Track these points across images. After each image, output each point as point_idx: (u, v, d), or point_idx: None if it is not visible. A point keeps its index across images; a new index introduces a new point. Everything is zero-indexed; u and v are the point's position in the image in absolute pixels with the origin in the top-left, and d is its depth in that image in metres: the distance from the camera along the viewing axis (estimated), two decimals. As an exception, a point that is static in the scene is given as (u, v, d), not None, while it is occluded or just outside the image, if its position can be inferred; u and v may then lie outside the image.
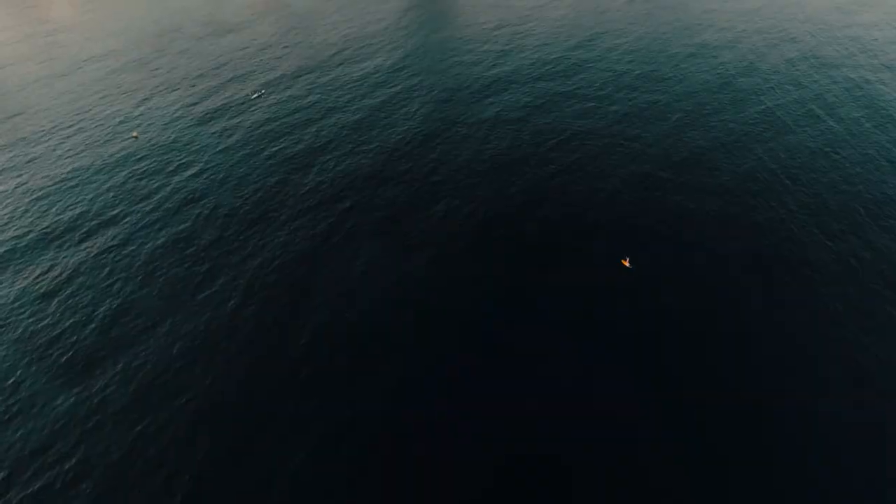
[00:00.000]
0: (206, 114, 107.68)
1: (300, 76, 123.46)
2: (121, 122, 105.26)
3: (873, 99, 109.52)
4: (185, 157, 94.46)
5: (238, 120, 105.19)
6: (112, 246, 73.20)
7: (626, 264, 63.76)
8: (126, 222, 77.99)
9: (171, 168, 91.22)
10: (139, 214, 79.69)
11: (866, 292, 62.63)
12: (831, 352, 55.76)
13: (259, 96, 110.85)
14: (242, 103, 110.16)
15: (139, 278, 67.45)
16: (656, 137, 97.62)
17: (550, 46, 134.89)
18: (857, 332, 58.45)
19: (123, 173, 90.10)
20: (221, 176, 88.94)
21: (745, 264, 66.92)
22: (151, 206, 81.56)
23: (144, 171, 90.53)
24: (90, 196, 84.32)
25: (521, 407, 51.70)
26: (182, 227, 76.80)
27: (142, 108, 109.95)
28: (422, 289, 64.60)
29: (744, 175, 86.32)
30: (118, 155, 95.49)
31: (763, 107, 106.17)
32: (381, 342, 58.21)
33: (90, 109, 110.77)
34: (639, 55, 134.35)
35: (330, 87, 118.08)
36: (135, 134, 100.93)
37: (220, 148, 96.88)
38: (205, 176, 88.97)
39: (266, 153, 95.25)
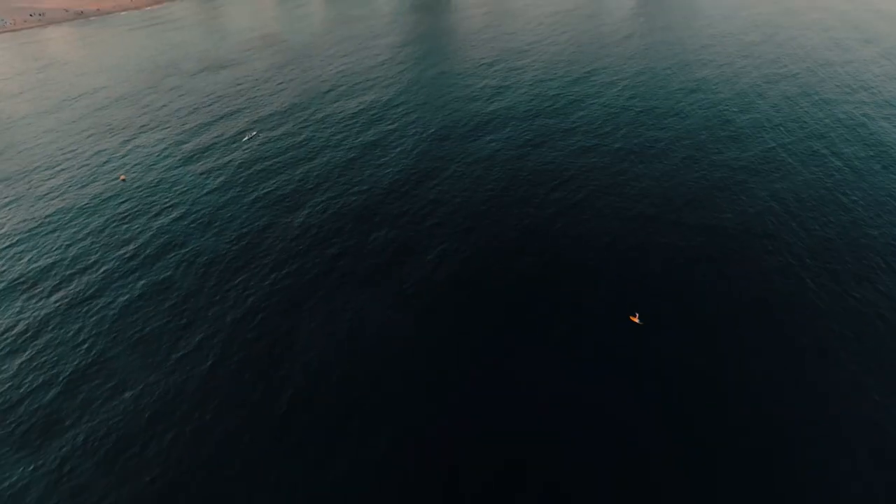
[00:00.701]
0: (195, 153, 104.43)
1: (293, 113, 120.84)
2: (106, 163, 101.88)
3: (879, 137, 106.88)
4: (170, 198, 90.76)
5: (227, 159, 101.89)
6: (85, 298, 68.80)
7: (636, 321, 59.61)
8: (102, 271, 73.76)
9: (154, 211, 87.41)
10: (117, 262, 75.51)
11: (881, 344, 58.37)
12: (844, 409, 51.24)
13: (250, 138, 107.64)
14: (233, 143, 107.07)
15: (112, 335, 62.91)
16: (658, 177, 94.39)
17: (549, 83, 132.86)
18: (865, 377, 54.07)
19: (104, 217, 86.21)
20: (206, 219, 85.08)
21: (749, 309, 62.83)
22: (130, 253, 77.45)
23: (127, 214, 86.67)
24: (67, 242, 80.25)
25: (514, 461, 46.92)
26: (161, 276, 72.56)
27: (129, 147, 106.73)
28: (412, 347, 60.15)
29: (749, 217, 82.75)
30: (101, 197, 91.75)
31: (766, 146, 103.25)
32: (369, 404, 53.52)
33: (76, 148, 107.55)
34: (639, 91, 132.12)
35: (323, 125, 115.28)
36: (122, 176, 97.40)
37: (207, 189, 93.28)
38: (189, 220, 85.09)
39: (254, 194, 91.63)
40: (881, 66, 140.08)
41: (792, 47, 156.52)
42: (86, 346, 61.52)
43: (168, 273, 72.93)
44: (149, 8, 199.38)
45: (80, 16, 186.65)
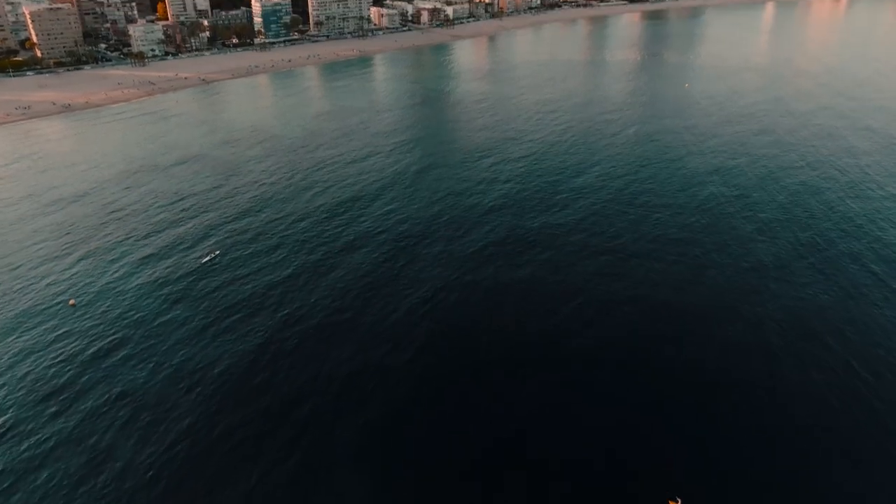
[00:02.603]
0: (154, 270, 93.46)
1: (270, 221, 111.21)
2: (54, 283, 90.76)
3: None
4: (116, 331, 78.83)
5: (189, 282, 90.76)
6: (-18, 481, 55.39)
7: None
8: (11, 439, 60.66)
9: (95, 349, 75.25)
10: (32, 425, 62.55)
11: None
12: None
13: (213, 258, 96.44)
14: (196, 260, 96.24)
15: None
16: (676, 287, 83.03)
17: (556, 183, 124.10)
18: None
19: (37, 358, 73.93)
20: (153, 362, 72.79)
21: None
22: (53, 409, 64.66)
23: (62, 354, 74.43)
24: (-17, 393, 67.56)
25: None
26: (87, 446, 59.48)
27: (83, 263, 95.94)
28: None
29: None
30: (42, 328, 79.91)
31: (802, 259, 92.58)
32: None
33: (24, 263, 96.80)
34: (650, 186, 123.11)
35: (303, 238, 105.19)
36: (71, 301, 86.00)
37: (160, 319, 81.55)
38: (133, 362, 72.78)
39: (213, 329, 79.70)
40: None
41: (822, 141, 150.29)
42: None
43: (94, 438, 59.87)
44: (141, 100, 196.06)
45: (67, 109, 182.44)
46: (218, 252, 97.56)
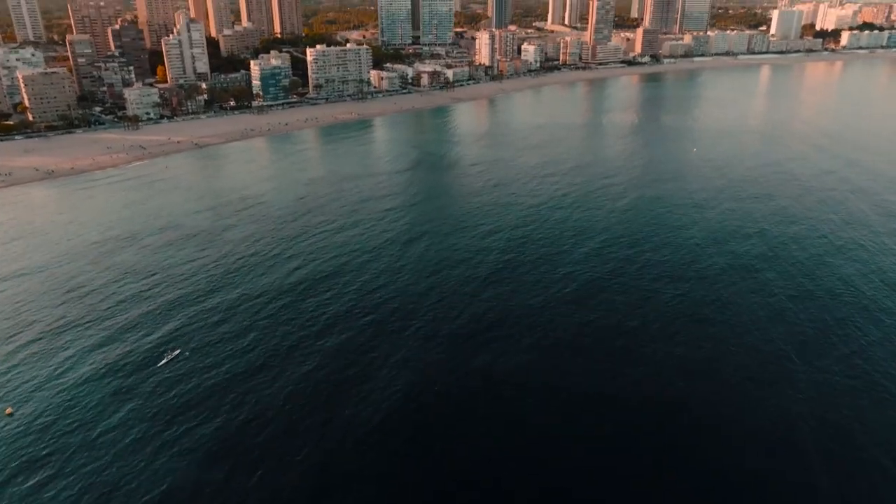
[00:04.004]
0: (106, 366, 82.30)
1: (243, 300, 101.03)
2: (-11, 379, 79.82)
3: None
4: (51, 447, 67.39)
5: (142, 377, 79.77)
6: None
7: None
8: None
9: (27, 473, 63.66)
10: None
11: None
12: None
13: (171, 359, 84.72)
14: (154, 361, 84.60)
15: None
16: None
17: (557, 255, 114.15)
18: None
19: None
20: (81, 485, 61.08)
21: None
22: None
23: (-23, 473, 62.80)
24: None
25: None
26: None
27: (26, 362, 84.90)
28: None
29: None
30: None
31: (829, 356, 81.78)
32: None
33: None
34: (657, 258, 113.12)
35: (277, 320, 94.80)
36: (8, 409, 74.57)
37: (102, 426, 70.29)
38: (58, 485, 61.10)
39: (165, 436, 68.47)
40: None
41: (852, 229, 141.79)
42: None
43: None
44: (129, 165, 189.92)
45: (50, 175, 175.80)
46: (178, 351, 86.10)
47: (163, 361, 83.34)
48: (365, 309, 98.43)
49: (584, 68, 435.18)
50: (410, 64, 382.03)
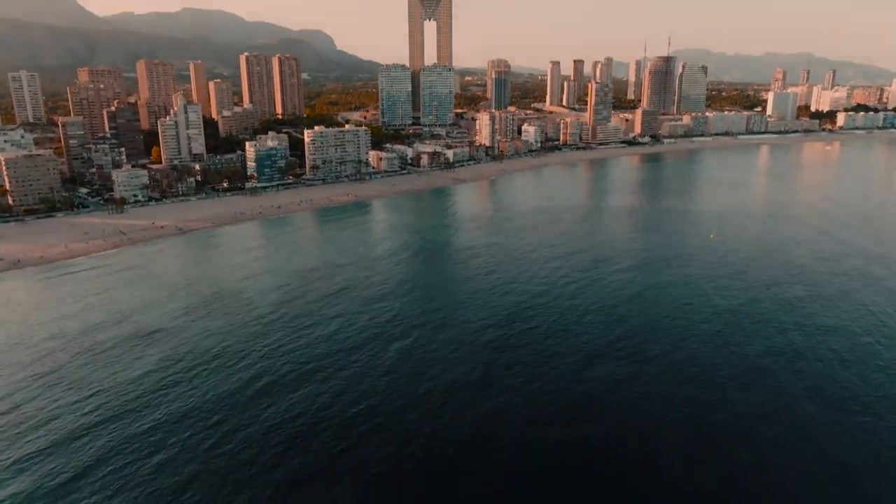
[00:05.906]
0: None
1: (194, 430, 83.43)
2: None
3: None
4: None
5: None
6: None
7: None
8: None
9: None
10: None
11: None
12: None
13: None
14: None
15: None
16: None
17: (571, 373, 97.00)
18: None
19: None
20: None
21: None
22: None
23: None
24: None
25: None
26: None
27: None
28: None
29: None
30: None
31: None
32: None
33: None
34: (691, 373, 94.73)
35: (231, 462, 77.04)
36: None
37: None
38: None
39: None
40: None
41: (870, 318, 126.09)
42: None
43: None
44: (104, 253, 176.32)
45: (16, 265, 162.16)
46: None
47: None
48: (330, 427, 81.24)
49: (584, 148, 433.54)
50: (410, 144, 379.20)
